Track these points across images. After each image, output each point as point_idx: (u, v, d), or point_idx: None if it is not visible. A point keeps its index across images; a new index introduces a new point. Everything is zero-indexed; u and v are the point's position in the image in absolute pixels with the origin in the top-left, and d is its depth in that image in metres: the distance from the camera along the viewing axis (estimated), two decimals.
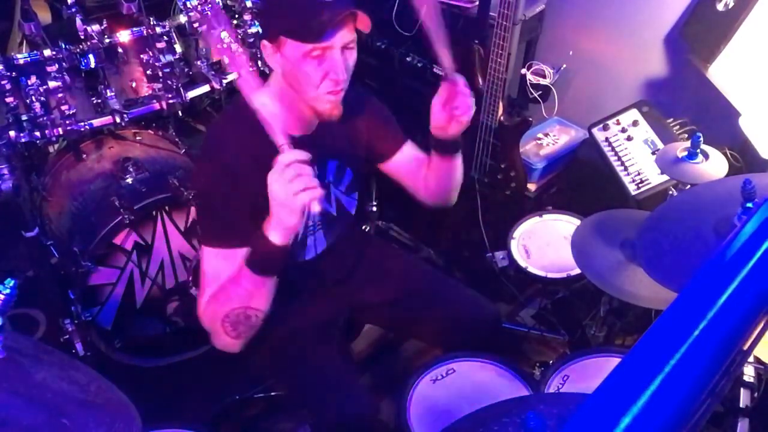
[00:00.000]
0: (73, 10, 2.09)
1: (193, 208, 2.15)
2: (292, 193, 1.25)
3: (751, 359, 1.55)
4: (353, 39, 1.40)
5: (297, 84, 1.42)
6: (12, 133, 1.99)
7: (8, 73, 1.98)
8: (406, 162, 1.78)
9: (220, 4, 2.34)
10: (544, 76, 2.67)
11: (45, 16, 2.53)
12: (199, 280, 1.52)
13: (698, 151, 1.76)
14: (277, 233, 1.33)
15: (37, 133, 2.03)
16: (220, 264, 1.47)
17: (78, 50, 2.08)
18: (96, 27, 2.08)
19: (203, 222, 1.55)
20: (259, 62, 2.36)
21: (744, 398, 1.58)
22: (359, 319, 1.96)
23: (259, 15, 1.45)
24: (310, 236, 1.64)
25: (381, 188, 2.62)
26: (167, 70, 2.20)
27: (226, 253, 1.47)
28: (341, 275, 1.79)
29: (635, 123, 2.29)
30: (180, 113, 2.78)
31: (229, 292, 1.42)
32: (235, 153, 1.47)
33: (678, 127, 2.24)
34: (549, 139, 2.69)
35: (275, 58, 1.42)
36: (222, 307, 1.44)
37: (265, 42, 1.42)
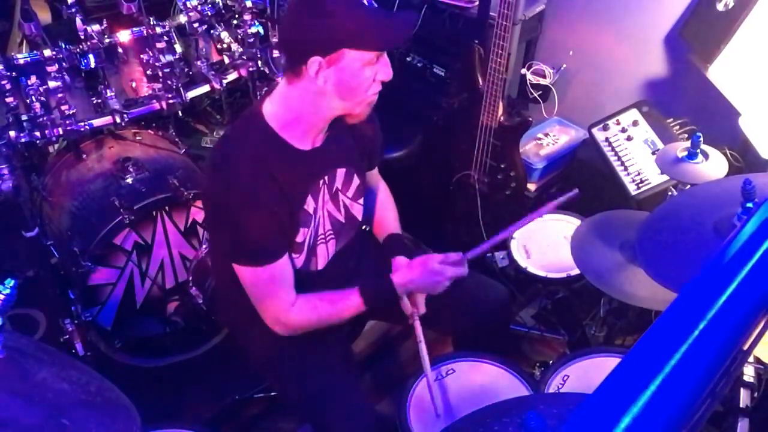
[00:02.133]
0: (73, 10, 2.09)
1: (193, 209, 2.15)
2: (442, 287, 1.60)
3: (751, 359, 1.55)
4: None
5: (347, 93, 1.44)
6: (12, 133, 1.99)
7: (8, 73, 1.98)
8: (370, 175, 1.81)
9: (221, 3, 2.34)
10: (544, 76, 2.67)
11: (45, 16, 2.54)
12: (256, 294, 1.55)
13: (698, 151, 1.76)
14: (404, 288, 1.61)
15: (37, 133, 2.03)
16: (283, 272, 1.54)
17: (78, 50, 2.08)
18: (96, 27, 2.08)
19: (250, 248, 1.51)
20: (260, 62, 2.36)
21: (744, 398, 1.58)
22: (365, 316, 1.95)
23: (309, 32, 1.41)
24: (320, 245, 1.64)
25: None
26: (167, 70, 2.20)
27: (283, 260, 1.52)
28: (347, 277, 1.79)
29: (635, 123, 2.29)
30: (180, 113, 2.78)
31: (333, 309, 1.60)
32: (253, 174, 1.45)
33: (678, 127, 2.24)
34: (549, 139, 2.69)
35: (326, 72, 1.39)
36: (316, 320, 1.60)
37: (316, 59, 1.37)
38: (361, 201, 1.71)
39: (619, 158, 2.24)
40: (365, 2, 1.38)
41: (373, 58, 1.40)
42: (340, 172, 1.62)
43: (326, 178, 1.59)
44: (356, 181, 1.67)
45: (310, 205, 1.56)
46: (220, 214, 1.53)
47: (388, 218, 1.85)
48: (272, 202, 1.47)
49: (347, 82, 1.41)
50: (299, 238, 1.56)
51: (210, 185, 1.55)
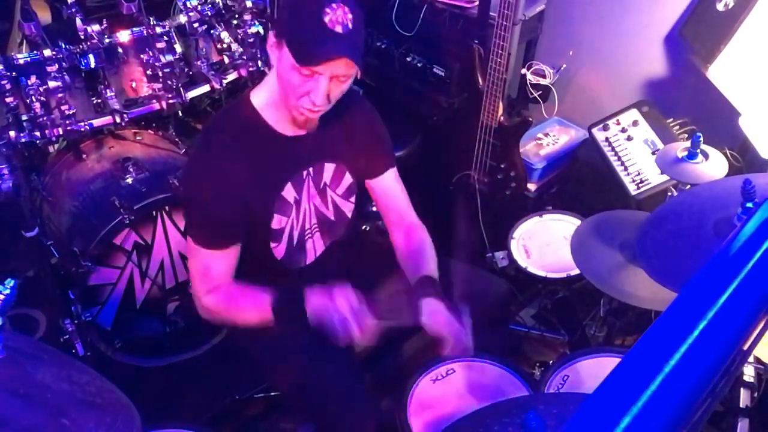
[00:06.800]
0: (73, 10, 2.09)
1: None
2: (334, 323, 1.43)
3: (751, 359, 1.55)
4: (346, 74, 1.39)
5: (282, 86, 1.44)
6: (12, 133, 1.99)
7: (8, 73, 1.98)
8: (382, 188, 1.76)
9: (221, 3, 2.34)
10: (544, 76, 2.67)
11: (45, 16, 2.53)
12: (195, 270, 1.56)
13: (698, 151, 1.76)
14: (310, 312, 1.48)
15: (37, 133, 2.03)
16: (217, 262, 1.53)
17: (78, 50, 2.08)
18: (96, 27, 2.08)
19: (198, 225, 1.54)
20: (260, 62, 2.36)
21: (744, 398, 1.58)
22: None
23: (281, 9, 1.44)
24: (308, 240, 1.65)
25: None
26: (167, 70, 2.20)
27: (222, 253, 1.52)
28: (341, 276, 1.79)
29: (635, 123, 2.29)
30: (180, 113, 2.78)
31: (243, 307, 1.56)
32: (230, 157, 1.47)
33: (678, 127, 2.25)
34: (549, 139, 2.70)
35: (274, 52, 1.42)
36: (225, 310, 1.57)
37: (272, 34, 1.42)
38: (353, 199, 1.70)
39: (619, 158, 2.24)
40: (329, 20, 1.31)
41: (302, 68, 1.35)
42: (329, 167, 1.61)
43: (311, 169, 1.58)
44: (348, 179, 1.66)
45: (289, 193, 1.56)
46: (189, 190, 1.56)
47: (426, 259, 1.73)
48: (241, 187, 1.47)
49: (280, 74, 1.42)
50: (275, 225, 1.56)
51: (188, 162, 1.57)
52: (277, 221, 1.56)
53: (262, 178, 1.50)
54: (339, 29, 1.31)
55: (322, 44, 1.32)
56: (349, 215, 1.71)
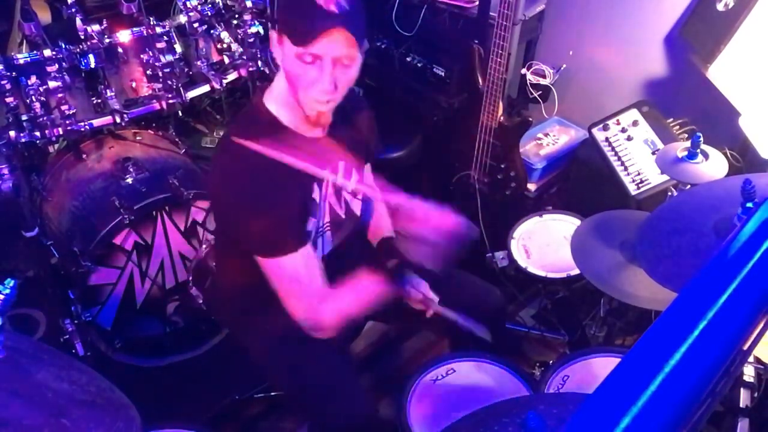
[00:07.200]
0: (73, 10, 2.09)
1: (193, 209, 2.15)
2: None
3: (751, 359, 1.55)
4: (348, 56, 1.37)
5: (291, 82, 1.42)
6: (12, 133, 1.99)
7: (8, 73, 1.98)
8: None
9: (221, 3, 2.34)
10: (544, 76, 2.67)
11: (45, 16, 2.53)
12: (286, 286, 1.50)
13: (698, 151, 1.76)
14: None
15: (37, 133, 2.04)
16: (306, 264, 1.49)
17: (78, 50, 2.08)
18: (96, 27, 2.09)
19: (257, 238, 1.47)
20: (260, 62, 2.36)
21: (744, 398, 1.58)
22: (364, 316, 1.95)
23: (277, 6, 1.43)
24: (319, 238, 1.64)
25: None
26: (167, 70, 2.20)
27: (302, 253, 1.47)
28: (344, 275, 1.79)
29: (635, 123, 2.29)
30: (180, 113, 2.79)
31: (347, 295, 1.54)
32: (263, 163, 1.41)
33: (678, 127, 2.25)
34: (549, 139, 2.70)
35: (278, 49, 1.41)
36: (346, 308, 1.54)
37: (272, 32, 1.42)
38: (360, 196, 1.70)
39: (619, 158, 2.24)
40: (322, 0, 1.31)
41: (303, 54, 1.33)
42: (341, 166, 1.61)
43: (329, 169, 1.58)
44: (355, 176, 1.66)
45: (316, 194, 1.55)
46: (232, 209, 1.48)
47: (382, 223, 1.82)
48: (285, 190, 1.45)
49: (287, 68, 1.40)
50: (309, 227, 1.55)
51: (219, 180, 1.51)
52: (310, 223, 1.54)
53: (297, 182, 1.48)
54: (333, 8, 1.30)
55: (316, 20, 1.31)
56: (358, 213, 1.71)
